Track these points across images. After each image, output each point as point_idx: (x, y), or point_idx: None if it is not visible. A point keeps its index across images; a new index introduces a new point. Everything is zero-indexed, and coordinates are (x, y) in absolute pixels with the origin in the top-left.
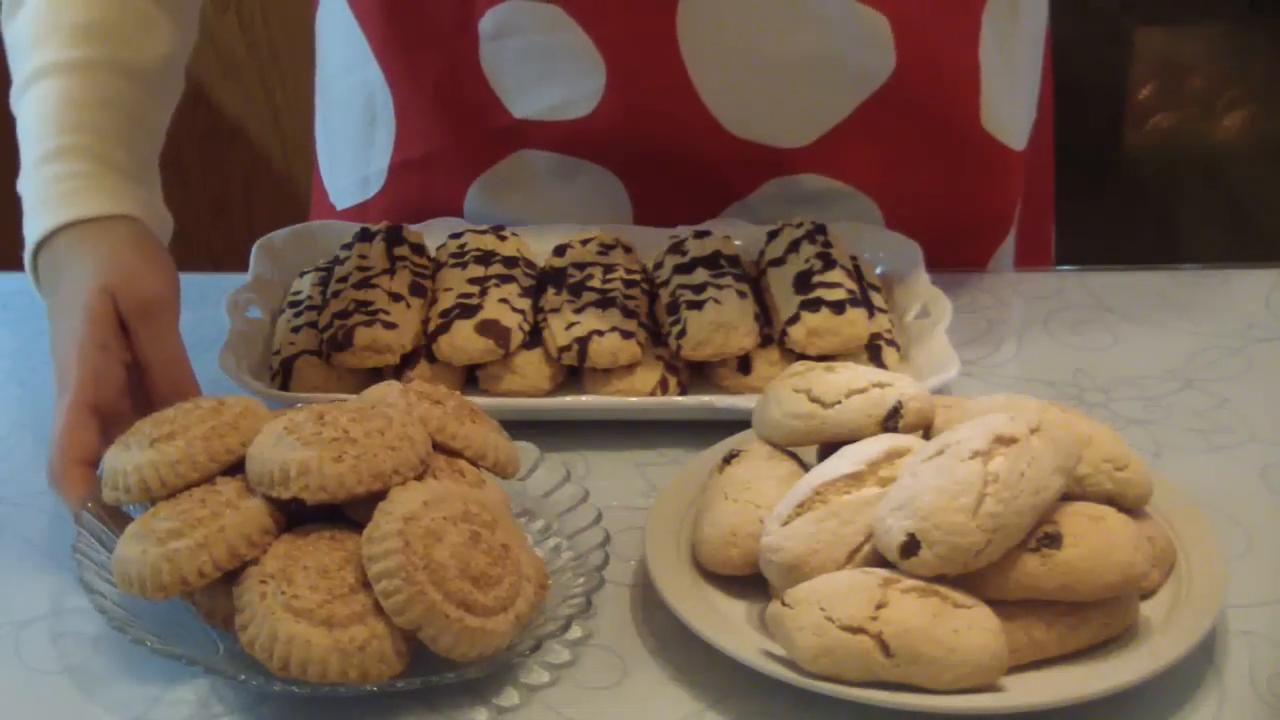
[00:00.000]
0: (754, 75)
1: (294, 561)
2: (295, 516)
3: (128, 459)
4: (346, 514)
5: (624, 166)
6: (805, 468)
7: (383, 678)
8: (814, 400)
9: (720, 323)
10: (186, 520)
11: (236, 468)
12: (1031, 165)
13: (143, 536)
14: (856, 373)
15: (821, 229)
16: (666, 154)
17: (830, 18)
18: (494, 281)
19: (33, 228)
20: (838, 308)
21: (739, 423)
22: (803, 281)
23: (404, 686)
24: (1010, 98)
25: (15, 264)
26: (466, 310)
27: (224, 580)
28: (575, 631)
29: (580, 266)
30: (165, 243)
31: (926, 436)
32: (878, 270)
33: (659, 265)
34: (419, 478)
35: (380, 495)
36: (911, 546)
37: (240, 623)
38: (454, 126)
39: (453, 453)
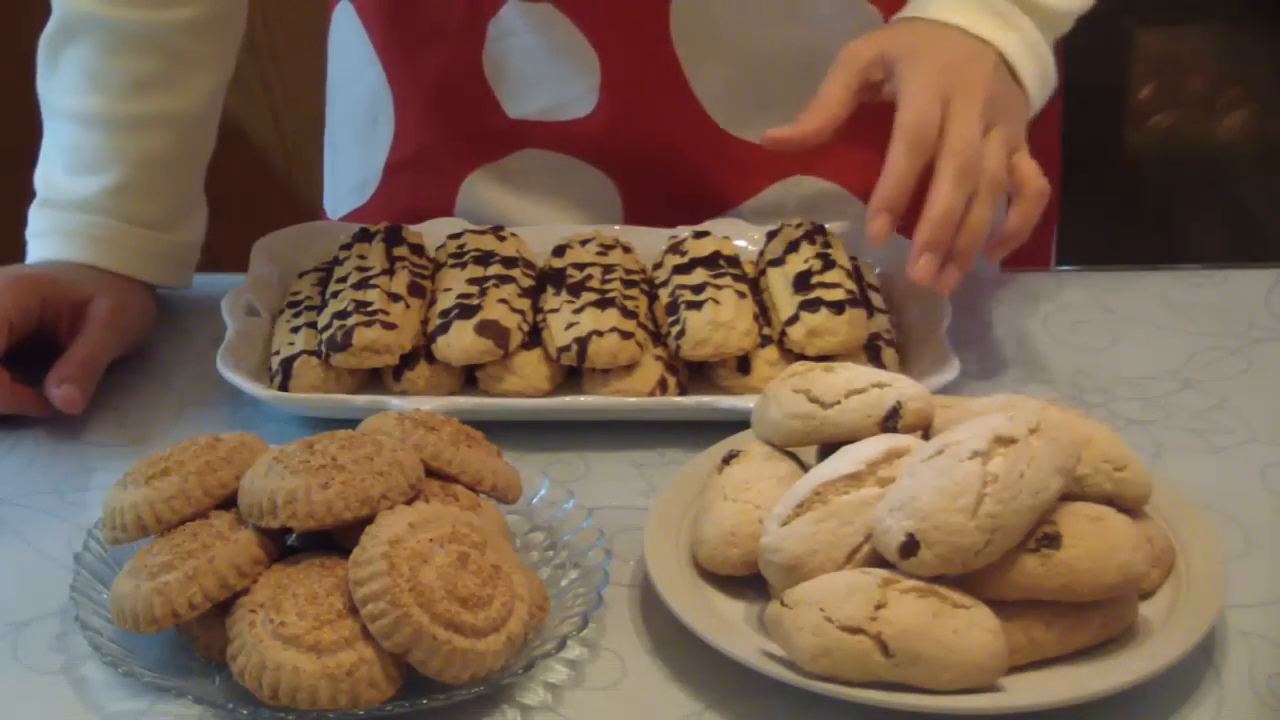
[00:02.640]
0: (748, 73)
1: (283, 589)
2: (291, 549)
3: (124, 498)
4: (337, 542)
5: (617, 168)
6: (805, 468)
7: (374, 703)
8: (813, 400)
9: (719, 323)
10: (178, 553)
11: (232, 502)
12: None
13: (136, 572)
14: (856, 373)
15: (820, 229)
16: (661, 156)
17: (823, 14)
18: (493, 282)
19: (45, 248)
20: (837, 308)
21: (738, 423)
22: (802, 282)
23: (393, 710)
24: None
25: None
26: (466, 310)
27: (219, 614)
28: (573, 649)
29: (580, 267)
30: (192, 266)
31: (926, 436)
32: (877, 271)
33: (658, 265)
34: (410, 503)
35: (370, 521)
36: (911, 547)
37: (231, 653)
38: (450, 124)
39: (448, 478)
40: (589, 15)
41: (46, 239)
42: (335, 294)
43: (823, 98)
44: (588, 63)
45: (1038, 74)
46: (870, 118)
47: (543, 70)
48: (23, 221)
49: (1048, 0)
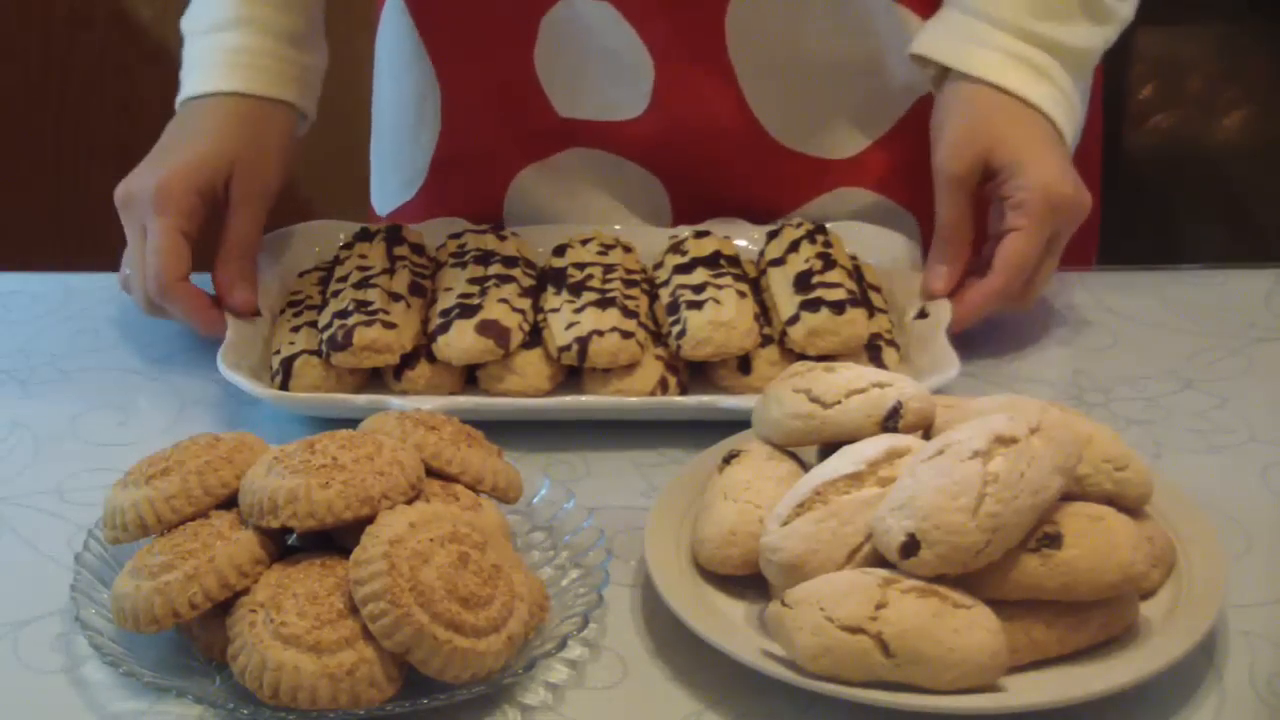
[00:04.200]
0: (801, 81)
1: (284, 589)
2: (291, 549)
3: (125, 497)
4: (337, 542)
5: (666, 170)
6: (805, 468)
7: (374, 703)
8: (814, 400)
9: (720, 322)
10: (178, 553)
11: (232, 501)
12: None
13: (136, 572)
14: (856, 373)
15: (821, 229)
16: (711, 161)
17: (876, 25)
18: (494, 281)
19: (198, 82)
20: (837, 308)
21: (739, 423)
22: (803, 281)
23: (393, 710)
24: None
25: (15, 264)
26: (466, 310)
27: (220, 614)
28: (574, 649)
29: (580, 266)
30: (316, 94)
31: (926, 436)
32: (878, 270)
33: (659, 265)
34: (410, 502)
35: (370, 521)
36: (911, 546)
37: (231, 653)
38: (499, 121)
39: (449, 478)
40: (645, 17)
41: (185, 77)
42: (336, 293)
43: (955, 236)
44: (642, 65)
45: (1069, 122)
46: (913, 131)
47: (595, 71)
48: (25, 222)
49: (1074, 42)
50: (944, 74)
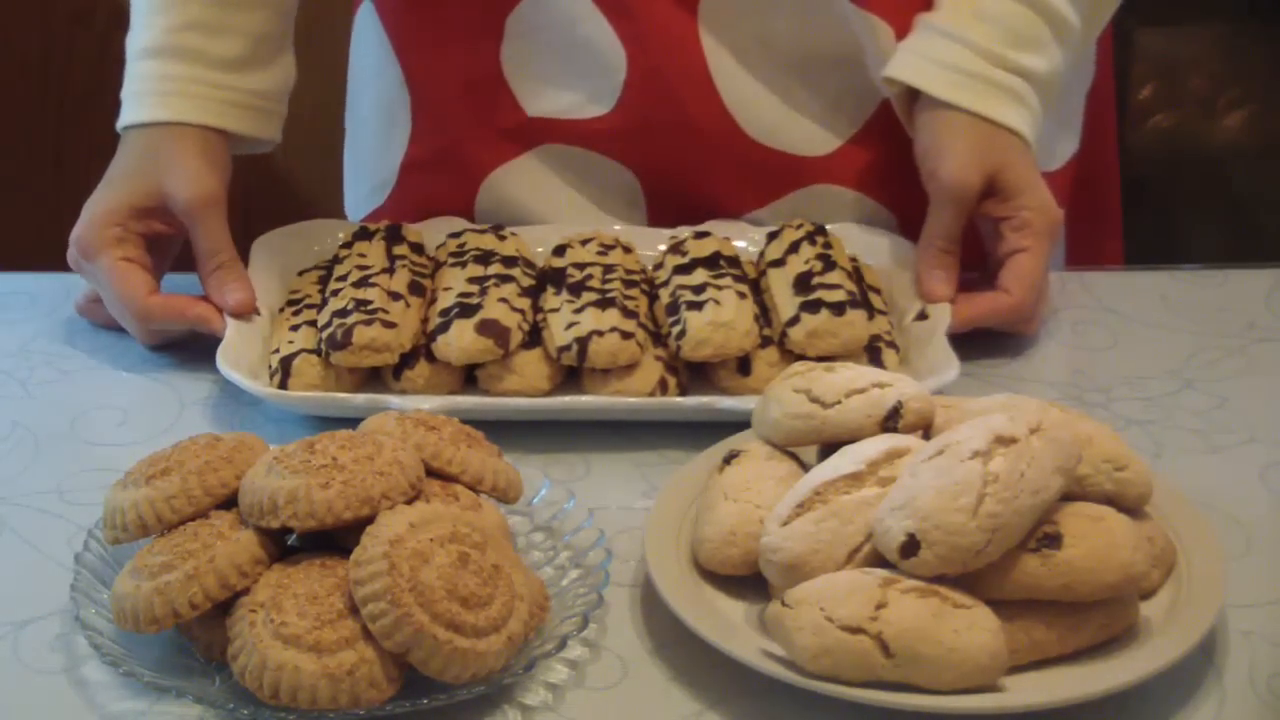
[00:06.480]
0: (776, 76)
1: (284, 589)
2: (291, 549)
3: (125, 497)
4: (337, 542)
5: (639, 163)
6: (805, 468)
7: (374, 703)
8: (814, 400)
9: (720, 323)
10: (178, 553)
11: (232, 501)
12: (1090, 179)
13: (137, 572)
14: (856, 373)
15: (822, 230)
16: (684, 154)
17: (848, 17)
18: (493, 281)
19: (128, 114)
20: (837, 309)
21: (738, 423)
22: (803, 283)
23: (393, 710)
24: None
25: (15, 264)
26: (466, 310)
27: (219, 614)
28: (574, 649)
29: (580, 266)
30: (275, 117)
31: (926, 436)
32: (879, 272)
33: (659, 265)
34: (410, 502)
35: (370, 521)
36: (911, 546)
37: (231, 653)
38: (469, 123)
39: (449, 478)
40: (619, 8)
41: (123, 107)
42: (335, 292)
43: (954, 249)
44: (614, 57)
45: (1039, 146)
46: (886, 129)
47: (565, 67)
48: (25, 222)
49: (1045, 70)
50: (912, 93)
